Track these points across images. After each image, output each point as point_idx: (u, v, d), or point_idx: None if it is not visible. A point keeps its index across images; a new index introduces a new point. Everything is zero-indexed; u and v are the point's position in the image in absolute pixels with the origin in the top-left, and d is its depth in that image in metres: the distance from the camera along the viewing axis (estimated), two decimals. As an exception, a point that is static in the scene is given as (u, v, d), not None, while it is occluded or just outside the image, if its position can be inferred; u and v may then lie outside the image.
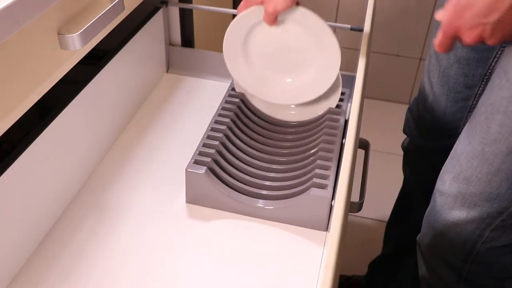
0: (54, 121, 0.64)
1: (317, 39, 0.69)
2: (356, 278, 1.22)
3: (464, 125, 0.85)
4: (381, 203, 1.13)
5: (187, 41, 1.00)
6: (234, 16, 1.65)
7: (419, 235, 0.80)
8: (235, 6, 1.51)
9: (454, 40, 0.61)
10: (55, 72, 0.58)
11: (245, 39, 0.72)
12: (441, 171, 0.74)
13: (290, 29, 0.69)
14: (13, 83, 0.51)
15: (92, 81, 0.71)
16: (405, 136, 1.00)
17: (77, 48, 0.57)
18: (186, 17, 0.98)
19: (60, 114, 0.65)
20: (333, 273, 0.39)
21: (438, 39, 0.62)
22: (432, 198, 0.76)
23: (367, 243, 1.33)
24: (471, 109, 0.83)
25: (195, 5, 0.97)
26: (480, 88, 0.80)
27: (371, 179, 1.43)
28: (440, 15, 0.61)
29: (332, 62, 0.70)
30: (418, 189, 1.00)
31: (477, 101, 0.81)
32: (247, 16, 0.68)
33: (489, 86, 0.66)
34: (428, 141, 0.93)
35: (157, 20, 0.91)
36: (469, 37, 0.59)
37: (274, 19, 0.66)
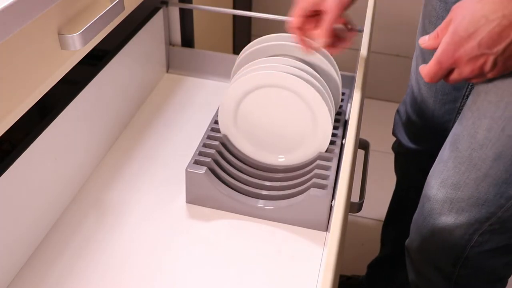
0: (55, 121, 0.64)
1: (312, 117, 0.68)
2: (356, 278, 1.22)
3: (452, 127, 0.85)
4: (381, 203, 1.13)
5: (187, 41, 1.00)
6: (234, 16, 1.65)
7: (408, 240, 0.79)
8: (235, 6, 1.51)
9: (448, 71, 0.58)
10: (55, 72, 0.58)
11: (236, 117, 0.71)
12: (428, 176, 0.73)
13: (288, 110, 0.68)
14: (13, 83, 0.51)
15: (92, 81, 0.71)
16: None
17: (77, 48, 0.57)
18: (186, 17, 0.98)
19: (60, 114, 0.65)
20: (333, 274, 0.39)
21: (430, 69, 0.58)
22: (420, 203, 0.75)
23: (367, 243, 1.33)
24: (459, 111, 0.82)
25: (195, 5, 0.97)
26: (468, 90, 0.79)
27: (371, 179, 1.43)
28: (429, 42, 0.58)
29: (323, 144, 0.69)
30: (410, 191, 1.00)
31: (465, 103, 0.81)
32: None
33: (475, 90, 0.65)
34: (417, 144, 0.92)
35: (157, 20, 0.91)
36: (468, 69, 0.56)
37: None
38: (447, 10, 0.73)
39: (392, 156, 1.03)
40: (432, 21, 0.76)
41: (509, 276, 0.77)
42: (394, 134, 0.97)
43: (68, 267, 0.61)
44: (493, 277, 0.76)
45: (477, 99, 0.64)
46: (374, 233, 1.23)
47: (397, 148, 0.99)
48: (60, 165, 0.66)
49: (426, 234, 0.73)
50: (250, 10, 1.72)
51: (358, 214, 1.40)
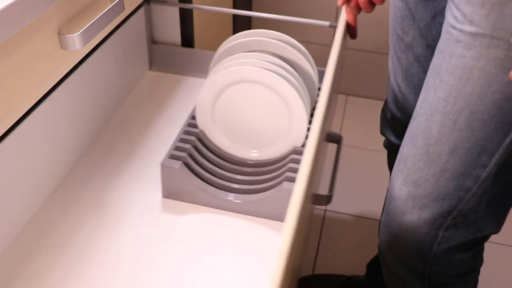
0: (32, 114, 0.62)
1: (288, 113, 0.68)
2: (356, 278, 1.20)
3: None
4: (381, 203, 1.12)
5: (187, 40, 1.00)
6: (234, 16, 1.63)
7: (378, 242, 0.80)
8: (235, 6, 1.50)
9: None
10: (55, 72, 0.58)
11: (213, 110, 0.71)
12: (391, 177, 0.74)
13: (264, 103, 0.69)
14: (14, 83, 0.51)
15: (73, 74, 0.70)
16: None
17: (77, 48, 0.57)
18: (186, 16, 0.98)
19: (36, 109, 0.63)
20: (286, 261, 0.39)
21: None
22: (385, 205, 0.76)
23: (366, 243, 1.32)
24: None
25: (195, 5, 0.97)
26: None
27: (369, 178, 1.42)
28: None
29: (298, 139, 0.70)
30: None
31: None
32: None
33: (424, 87, 0.65)
34: None
35: (138, 18, 0.91)
36: None
37: None
38: (408, 9, 0.73)
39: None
40: (397, 20, 0.76)
41: (480, 266, 0.78)
42: (382, 133, 0.98)
43: (43, 263, 0.61)
44: (464, 270, 0.77)
45: (427, 96, 0.64)
46: (373, 233, 1.22)
47: (387, 146, 0.99)
48: (36, 160, 0.65)
49: (394, 234, 0.74)
50: (250, 10, 1.71)
51: (357, 213, 1.39)
